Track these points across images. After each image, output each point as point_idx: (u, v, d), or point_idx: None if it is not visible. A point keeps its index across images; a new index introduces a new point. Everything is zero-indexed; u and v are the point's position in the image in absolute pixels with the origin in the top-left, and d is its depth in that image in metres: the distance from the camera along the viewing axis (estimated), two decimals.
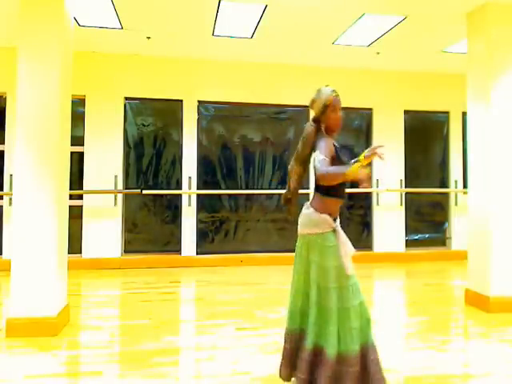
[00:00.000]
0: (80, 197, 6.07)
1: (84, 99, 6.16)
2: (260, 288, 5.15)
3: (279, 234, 6.72)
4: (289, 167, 2.51)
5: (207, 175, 6.59)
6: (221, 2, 4.45)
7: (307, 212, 2.42)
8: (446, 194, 7.19)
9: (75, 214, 5.82)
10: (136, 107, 6.42)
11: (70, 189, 4.04)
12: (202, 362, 2.97)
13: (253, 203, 6.71)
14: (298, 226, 2.48)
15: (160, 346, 3.22)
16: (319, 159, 2.24)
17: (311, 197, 2.50)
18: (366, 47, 5.81)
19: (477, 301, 4.27)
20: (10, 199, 5.67)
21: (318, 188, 2.42)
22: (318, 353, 2.28)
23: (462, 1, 4.29)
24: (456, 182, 7.12)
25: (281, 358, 2.49)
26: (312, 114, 2.52)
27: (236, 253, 6.48)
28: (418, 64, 6.63)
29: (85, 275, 5.64)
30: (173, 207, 6.46)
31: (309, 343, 2.29)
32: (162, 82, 6.36)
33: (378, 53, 6.06)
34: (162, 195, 6.44)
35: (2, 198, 5.85)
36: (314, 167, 2.29)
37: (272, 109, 6.77)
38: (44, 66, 3.50)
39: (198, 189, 6.43)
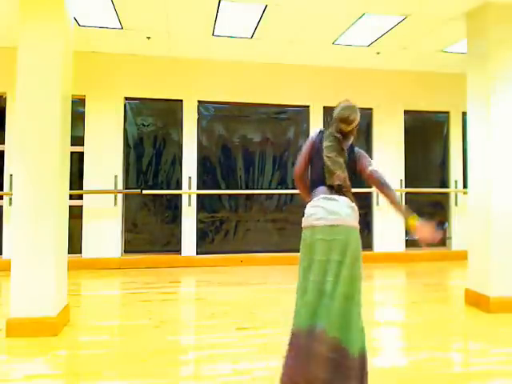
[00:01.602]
0: (80, 197, 6.07)
1: (84, 99, 6.16)
2: (260, 288, 5.15)
3: (279, 234, 6.72)
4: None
5: (207, 175, 6.59)
6: (221, 2, 4.45)
7: (352, 205, 2.34)
8: (446, 194, 7.19)
9: (75, 214, 5.82)
10: (136, 107, 6.42)
11: (70, 189, 4.04)
12: (202, 362, 2.97)
13: (253, 203, 6.71)
14: (339, 216, 2.28)
15: (160, 346, 3.22)
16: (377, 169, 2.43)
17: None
18: (366, 47, 5.81)
19: (477, 301, 4.26)
20: (10, 199, 5.67)
21: (346, 188, 2.38)
22: (339, 351, 2.18)
23: (462, 1, 4.28)
24: (456, 182, 7.12)
25: (291, 362, 2.21)
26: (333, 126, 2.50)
27: (236, 253, 6.48)
28: (418, 64, 6.63)
29: (85, 275, 5.64)
30: (173, 207, 6.46)
31: (328, 341, 2.16)
32: (162, 82, 6.36)
33: (378, 53, 6.06)
34: (162, 195, 6.44)
35: (2, 198, 5.85)
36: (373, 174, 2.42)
37: (272, 109, 6.77)
38: (44, 66, 3.50)
39: (198, 189, 6.43)
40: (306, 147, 2.54)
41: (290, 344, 2.25)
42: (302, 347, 2.20)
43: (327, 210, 2.31)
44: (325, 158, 2.39)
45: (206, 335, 3.48)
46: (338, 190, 2.35)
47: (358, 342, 2.18)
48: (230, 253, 6.48)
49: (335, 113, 2.47)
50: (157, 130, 6.51)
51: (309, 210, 2.41)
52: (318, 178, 2.44)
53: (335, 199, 2.34)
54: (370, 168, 2.44)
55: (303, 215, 2.44)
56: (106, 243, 6.12)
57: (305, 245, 2.35)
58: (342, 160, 2.38)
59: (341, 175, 2.33)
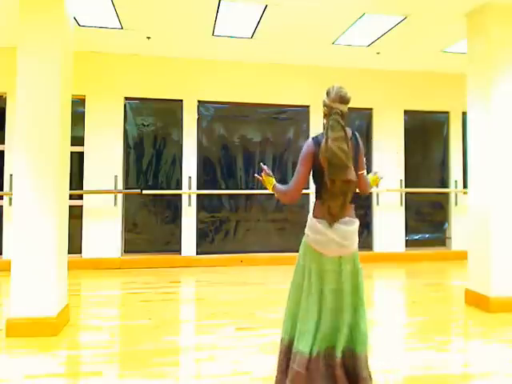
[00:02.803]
0: (80, 197, 6.07)
1: (84, 99, 6.16)
2: (260, 288, 5.15)
3: (279, 234, 6.72)
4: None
5: (207, 175, 6.59)
6: (221, 2, 4.45)
7: (356, 227, 2.29)
8: (446, 194, 7.19)
9: (75, 214, 5.81)
10: (136, 107, 6.42)
11: (70, 189, 4.03)
12: (202, 362, 2.97)
13: (253, 203, 6.71)
14: (347, 246, 2.24)
15: (160, 346, 3.22)
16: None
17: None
18: (365, 47, 5.81)
19: (477, 301, 4.26)
20: (10, 199, 5.67)
21: (352, 198, 2.28)
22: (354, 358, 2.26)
23: (462, 1, 4.28)
24: (456, 182, 7.12)
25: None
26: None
27: (236, 253, 6.48)
28: (418, 64, 6.63)
29: (85, 275, 5.64)
30: (173, 207, 6.46)
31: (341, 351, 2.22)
32: (162, 81, 6.36)
33: (378, 53, 6.06)
34: (161, 195, 6.44)
35: (2, 198, 5.85)
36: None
37: (272, 109, 6.77)
38: (44, 66, 3.50)
39: (198, 189, 6.43)
40: (304, 162, 2.27)
41: (302, 369, 2.14)
42: (321, 370, 2.18)
43: (336, 242, 2.22)
44: (336, 149, 2.16)
45: (206, 335, 3.48)
46: (344, 192, 2.20)
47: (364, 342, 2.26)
48: (230, 253, 6.48)
49: (332, 95, 2.30)
50: (157, 130, 6.51)
51: (316, 235, 2.26)
52: (323, 186, 2.26)
53: (344, 227, 2.24)
54: (364, 172, 2.41)
55: (307, 220, 2.35)
56: (106, 243, 6.12)
57: (308, 269, 2.31)
58: (349, 152, 2.20)
59: (353, 171, 2.20)
